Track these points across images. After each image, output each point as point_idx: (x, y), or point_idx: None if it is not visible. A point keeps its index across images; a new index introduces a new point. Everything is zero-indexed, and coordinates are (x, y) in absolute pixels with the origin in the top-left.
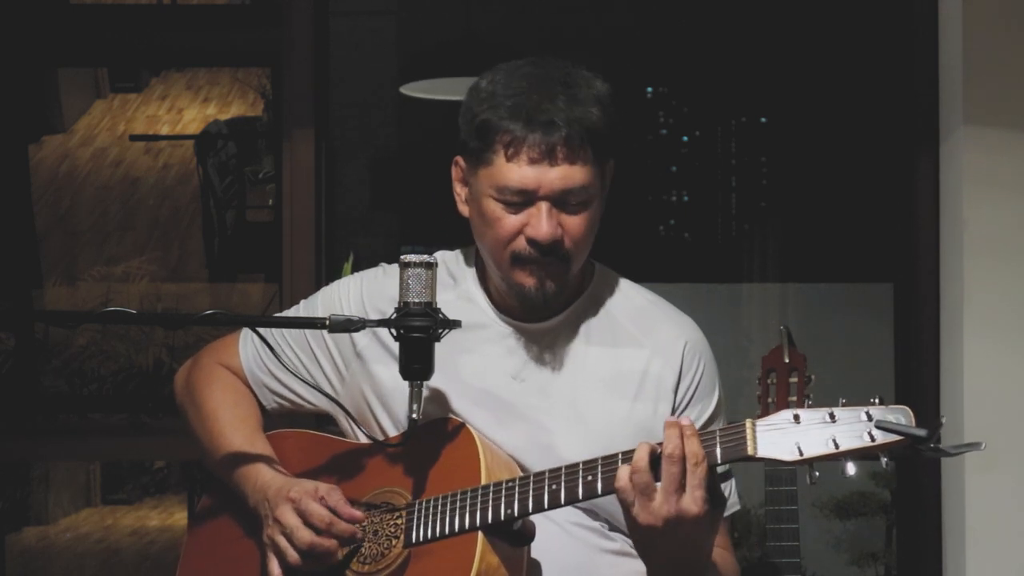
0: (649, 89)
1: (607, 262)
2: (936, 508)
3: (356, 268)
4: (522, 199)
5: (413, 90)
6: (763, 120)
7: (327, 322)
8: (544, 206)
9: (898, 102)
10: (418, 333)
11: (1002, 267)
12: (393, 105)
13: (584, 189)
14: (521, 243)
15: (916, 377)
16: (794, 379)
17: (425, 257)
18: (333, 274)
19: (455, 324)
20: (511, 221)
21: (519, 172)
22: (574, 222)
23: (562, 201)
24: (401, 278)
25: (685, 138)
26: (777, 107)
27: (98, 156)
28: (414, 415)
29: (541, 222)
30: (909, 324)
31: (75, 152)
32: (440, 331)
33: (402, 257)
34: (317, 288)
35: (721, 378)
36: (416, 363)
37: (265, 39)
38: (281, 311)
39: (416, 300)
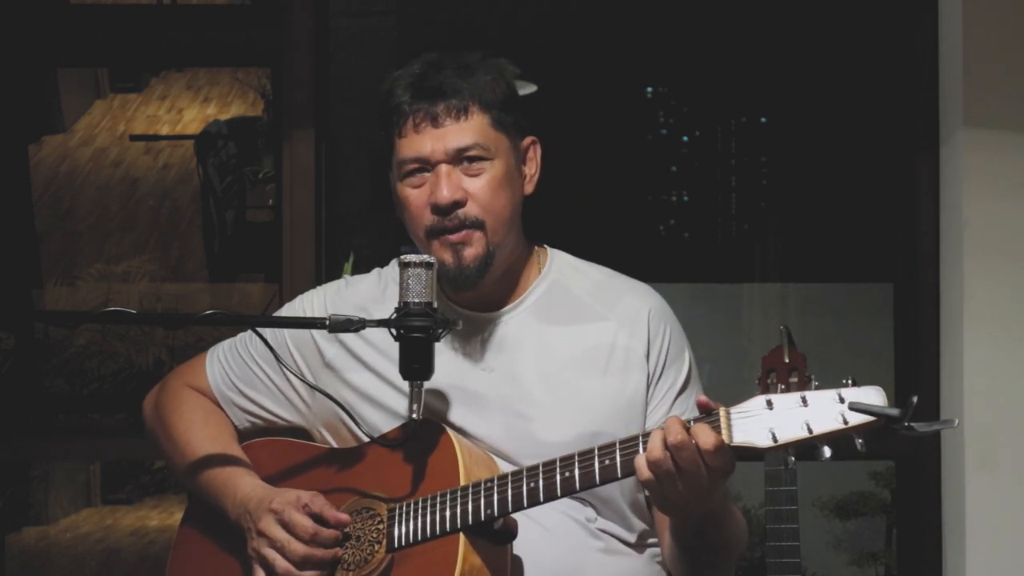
0: (649, 89)
1: (607, 262)
2: (936, 508)
3: (356, 268)
4: (420, 168)
5: None
6: (763, 120)
7: (327, 322)
8: (442, 170)
9: (898, 104)
10: (418, 333)
11: (1002, 267)
12: None
13: (477, 145)
14: (428, 215)
15: (916, 377)
16: (794, 379)
17: (425, 257)
18: (333, 274)
19: (454, 324)
20: (418, 196)
21: (410, 142)
22: (476, 183)
23: (458, 161)
24: (401, 278)
25: (685, 138)
26: (777, 107)
27: (98, 156)
28: (415, 415)
29: (440, 185)
30: (909, 324)
31: (75, 152)
32: (440, 331)
33: (402, 257)
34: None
35: (688, 341)
36: (416, 363)
37: (265, 39)
38: (275, 313)
39: (416, 300)
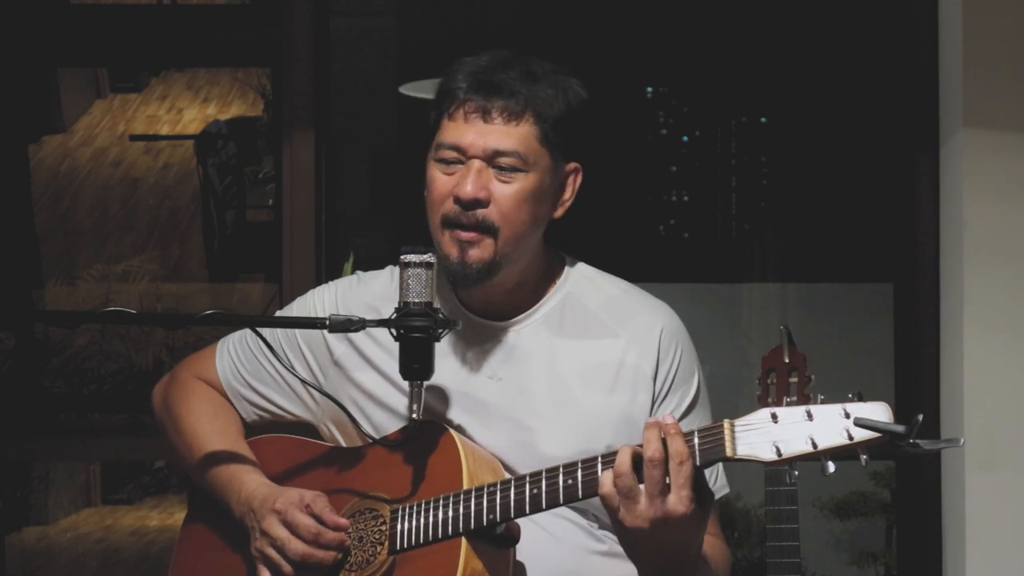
0: (649, 89)
1: (608, 262)
2: (936, 508)
3: (356, 268)
4: (456, 157)
5: (413, 90)
6: (763, 120)
7: (327, 322)
8: (474, 165)
9: (898, 104)
10: (418, 333)
11: (1002, 267)
12: (393, 105)
13: (516, 154)
14: (449, 204)
15: (916, 377)
16: (794, 379)
17: (425, 257)
18: (333, 274)
19: (454, 324)
20: (444, 182)
21: (455, 127)
22: (503, 191)
23: (493, 164)
24: (401, 278)
25: (685, 138)
26: (777, 107)
27: (98, 156)
28: (415, 415)
29: (467, 179)
30: (909, 324)
31: (75, 152)
32: (440, 331)
33: (402, 257)
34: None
35: (700, 363)
36: (416, 363)
37: (265, 39)
38: (281, 310)
39: (416, 300)
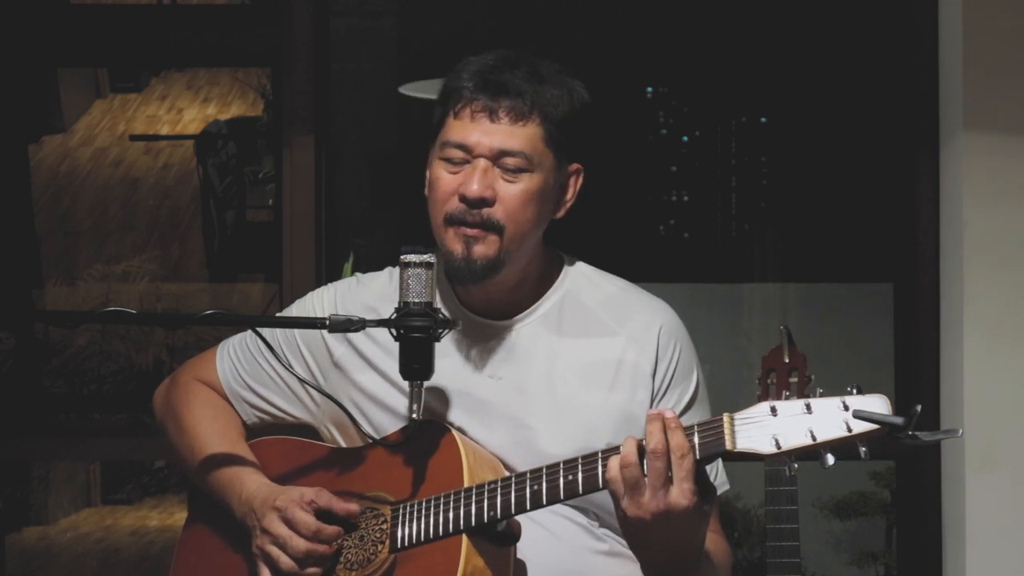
0: (649, 89)
1: (608, 262)
2: (936, 508)
3: (356, 268)
4: (461, 155)
5: (413, 90)
6: (763, 120)
7: (327, 322)
8: (480, 164)
9: (899, 105)
10: (418, 333)
11: (1002, 267)
12: (393, 105)
13: (522, 154)
14: (454, 202)
15: (916, 377)
16: (794, 379)
17: (425, 257)
18: (333, 274)
19: (454, 324)
20: (449, 180)
21: (461, 126)
22: (509, 190)
23: (499, 164)
24: (401, 278)
25: (685, 138)
26: (777, 107)
27: (98, 156)
28: (415, 415)
29: (473, 178)
30: (909, 324)
31: (75, 152)
32: (439, 331)
33: (402, 257)
34: (317, 288)
35: (699, 360)
36: (416, 363)
37: (265, 39)
38: (281, 311)
39: (416, 300)
